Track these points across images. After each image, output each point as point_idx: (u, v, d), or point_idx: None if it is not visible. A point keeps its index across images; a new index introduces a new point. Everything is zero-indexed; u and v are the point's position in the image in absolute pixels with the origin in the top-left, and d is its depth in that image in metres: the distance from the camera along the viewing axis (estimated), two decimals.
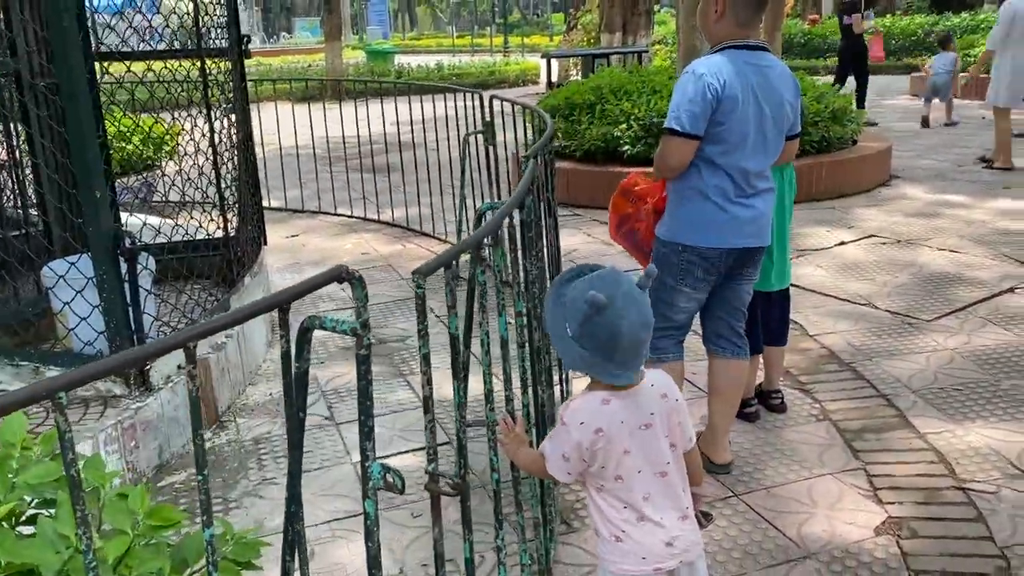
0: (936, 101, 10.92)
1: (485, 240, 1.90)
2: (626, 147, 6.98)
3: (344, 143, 7.57)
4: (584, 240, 6.15)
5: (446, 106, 6.22)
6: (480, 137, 5.10)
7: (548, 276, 3.59)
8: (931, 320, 4.27)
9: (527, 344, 2.25)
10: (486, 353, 1.93)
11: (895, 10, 23.83)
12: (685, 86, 2.62)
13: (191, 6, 3.68)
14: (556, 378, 2.97)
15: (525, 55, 26.66)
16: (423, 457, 3.06)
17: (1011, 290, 4.64)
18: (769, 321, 3.34)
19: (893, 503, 2.75)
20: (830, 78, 11.51)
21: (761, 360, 3.42)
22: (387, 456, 3.14)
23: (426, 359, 1.56)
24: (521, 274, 2.34)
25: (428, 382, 1.56)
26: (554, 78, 14.74)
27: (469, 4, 60.89)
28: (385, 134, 7.12)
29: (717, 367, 3.00)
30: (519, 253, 2.22)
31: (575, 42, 17.55)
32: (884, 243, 5.67)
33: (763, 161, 2.72)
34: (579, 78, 12.17)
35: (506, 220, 2.11)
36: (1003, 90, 7.71)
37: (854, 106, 11.13)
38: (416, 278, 1.49)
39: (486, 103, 5.04)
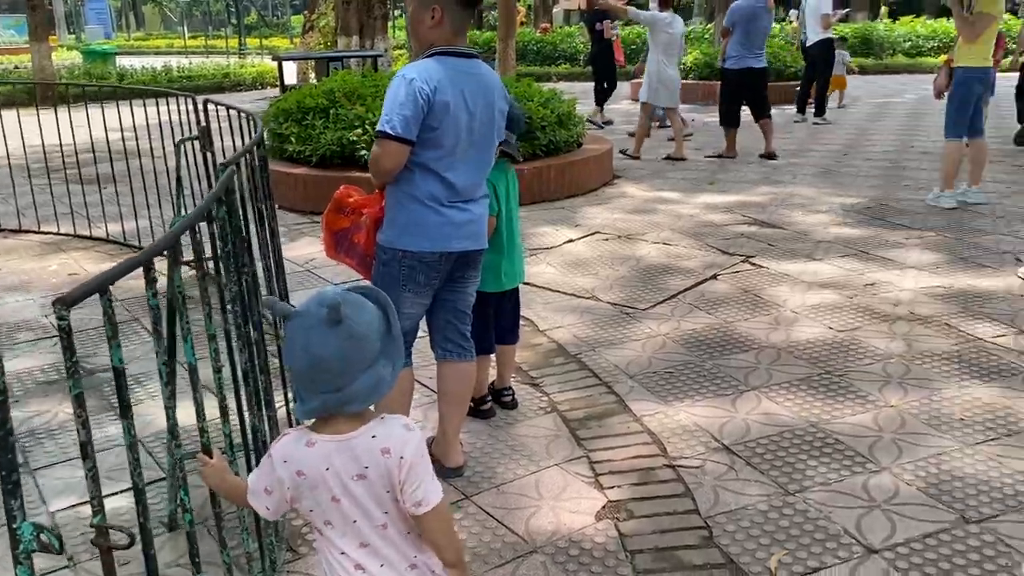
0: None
1: (166, 254, 1.74)
2: (363, 152, 6.88)
3: (61, 152, 6.81)
4: (321, 248, 5.97)
5: (159, 112, 5.77)
6: (195, 144, 4.77)
7: (270, 291, 3.42)
8: (646, 309, 4.58)
9: (222, 369, 2.09)
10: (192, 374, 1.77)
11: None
12: (396, 90, 2.61)
13: None
14: (274, 400, 2.82)
15: (264, 58, 25.69)
16: (130, 499, 2.79)
17: (714, 277, 5.10)
18: (502, 320, 3.41)
19: (612, 487, 2.90)
20: (563, 84, 12.17)
21: (493, 359, 3.48)
22: (84, 503, 2.82)
23: (79, 399, 1.38)
24: (226, 292, 2.19)
25: (84, 424, 1.39)
26: (292, 81, 14.29)
27: (202, 4, 57.71)
28: (107, 141, 6.46)
29: (444, 371, 3.02)
30: (220, 269, 2.06)
31: (311, 45, 17.14)
32: (607, 239, 6.02)
33: (476, 167, 2.77)
34: (315, 82, 11.91)
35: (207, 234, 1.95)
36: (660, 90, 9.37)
37: (594, 105, 11.90)
38: (58, 309, 1.31)
39: (200, 108, 4.72)
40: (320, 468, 1.54)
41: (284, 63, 12.35)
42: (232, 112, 4.26)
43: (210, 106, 4.72)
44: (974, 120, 6.61)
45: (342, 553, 1.60)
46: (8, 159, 7.11)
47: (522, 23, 32.33)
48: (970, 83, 6.45)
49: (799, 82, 14.06)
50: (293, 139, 7.29)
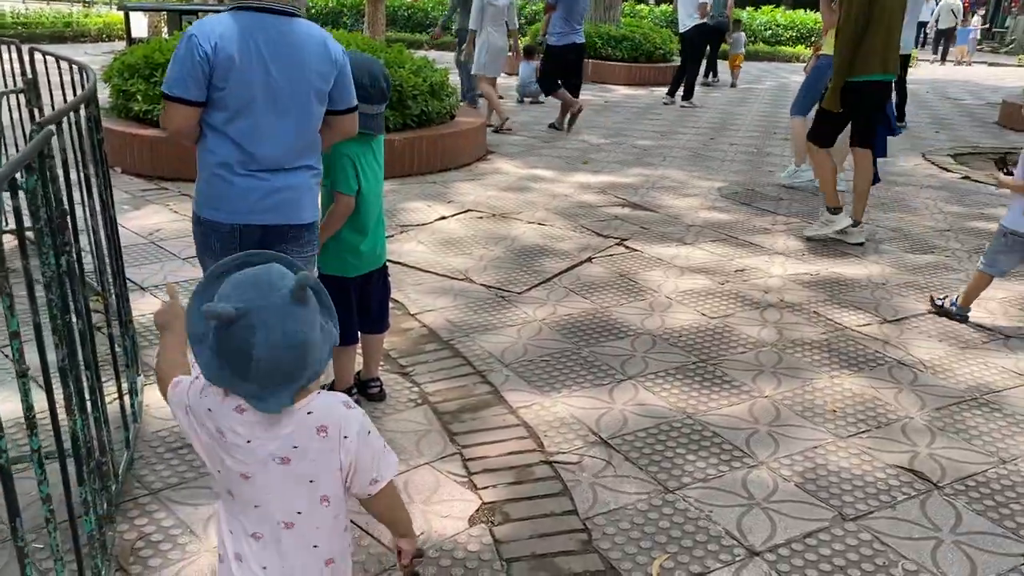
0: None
1: None
2: None
3: None
4: (170, 218, 5.48)
5: None
6: (20, 98, 4.21)
7: (106, 269, 3.02)
8: (522, 292, 4.42)
9: (44, 364, 1.76)
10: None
11: None
12: (178, 48, 2.41)
13: None
14: (102, 399, 2.46)
15: (112, 7, 23.81)
16: None
17: (589, 260, 4.99)
18: (369, 306, 3.13)
19: (487, 487, 2.71)
20: (434, 53, 11.80)
21: (359, 348, 3.22)
22: None
23: None
24: (41, 274, 1.83)
25: None
26: (142, 34, 13.25)
27: None
28: None
29: None
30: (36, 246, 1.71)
31: None
32: (481, 217, 5.82)
33: (283, 133, 2.50)
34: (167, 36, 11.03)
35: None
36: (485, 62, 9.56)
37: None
38: None
39: (26, 57, 4.16)
40: (239, 438, 1.39)
41: (131, 13, 11.38)
42: (64, 64, 3.75)
43: (39, 56, 4.18)
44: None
45: (231, 532, 1.47)
46: None
47: None
48: (824, 69, 6.23)
49: (668, 64, 14.32)
50: (140, 97, 6.67)
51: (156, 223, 5.33)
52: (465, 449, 2.93)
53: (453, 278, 4.59)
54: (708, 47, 13.48)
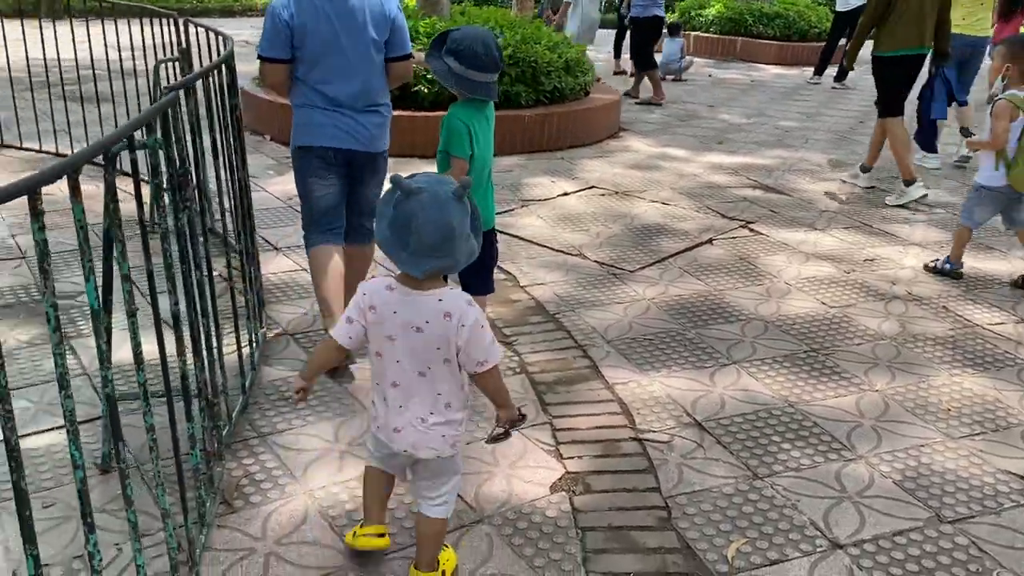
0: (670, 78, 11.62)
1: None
2: None
3: (59, 67, 6.58)
4: None
5: (148, 33, 5.53)
6: (176, 67, 4.55)
7: (238, 231, 3.25)
8: (634, 271, 4.40)
9: (155, 308, 1.94)
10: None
11: None
12: (265, 19, 3.11)
13: None
14: (218, 344, 2.67)
15: None
16: (63, 436, 2.66)
17: (710, 241, 4.90)
18: (473, 268, 3.20)
19: (572, 458, 2.76)
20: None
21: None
22: (24, 435, 2.70)
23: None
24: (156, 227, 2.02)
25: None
26: None
27: None
28: (107, 60, 6.22)
29: (349, 252, 3.37)
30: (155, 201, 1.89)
31: None
32: (603, 194, 5.81)
33: (350, 79, 3.14)
34: None
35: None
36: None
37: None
38: None
39: (181, 29, 4.49)
40: (389, 310, 1.90)
41: None
42: (212, 35, 4.03)
43: (192, 29, 4.51)
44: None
45: (378, 383, 2.00)
46: (9, 71, 6.87)
47: None
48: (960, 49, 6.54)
49: (822, 44, 13.66)
50: None
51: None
52: (556, 419, 2.98)
53: (567, 253, 4.63)
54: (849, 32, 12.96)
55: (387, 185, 1.94)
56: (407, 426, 1.97)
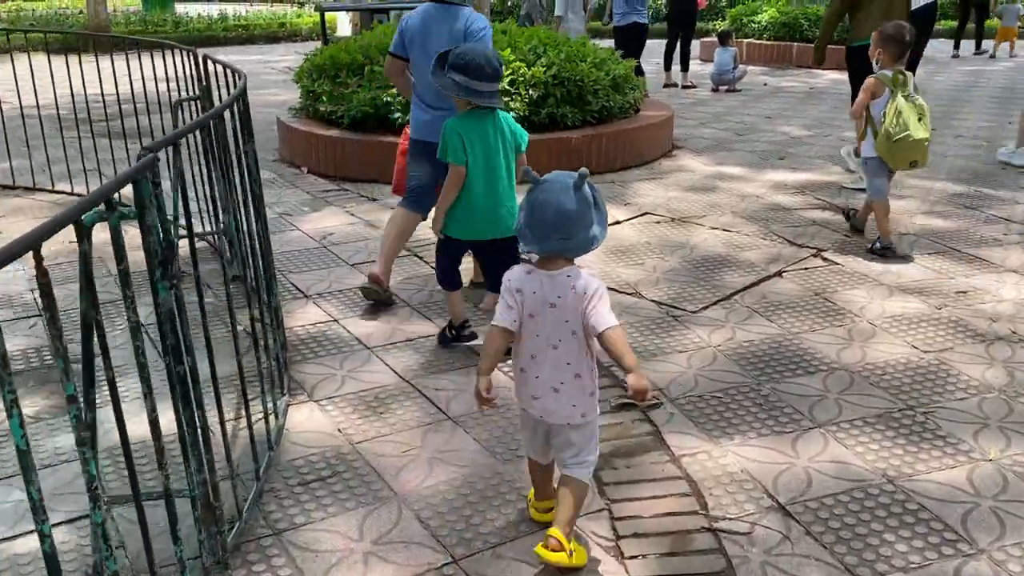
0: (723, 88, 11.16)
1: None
2: (397, 114, 6.34)
3: (86, 105, 6.41)
4: (345, 220, 5.48)
5: (175, 65, 5.29)
6: (196, 105, 4.28)
7: (256, 276, 2.93)
8: (696, 311, 3.97)
9: (144, 358, 1.60)
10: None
11: None
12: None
13: None
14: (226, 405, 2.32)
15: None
16: (74, 533, 2.34)
17: (779, 274, 4.45)
18: (489, 274, 3.63)
19: (635, 557, 2.34)
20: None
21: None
22: (10, 538, 2.38)
23: None
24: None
25: None
26: (347, 32, 13.76)
27: None
28: (145, 93, 6.02)
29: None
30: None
31: None
32: (658, 222, 5.39)
33: (430, 84, 3.67)
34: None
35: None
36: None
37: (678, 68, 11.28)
38: None
39: (201, 65, 4.21)
40: (530, 290, 2.15)
41: (333, 14, 11.78)
42: (229, 71, 3.74)
43: (204, 62, 4.22)
44: None
45: (519, 356, 2.23)
46: (38, 110, 6.73)
47: None
48: None
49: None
50: (325, 98, 6.77)
51: (330, 226, 5.34)
52: (615, 504, 2.57)
53: (621, 292, 4.22)
54: (974, 15, 14.42)
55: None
56: (543, 394, 2.20)
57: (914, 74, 10.82)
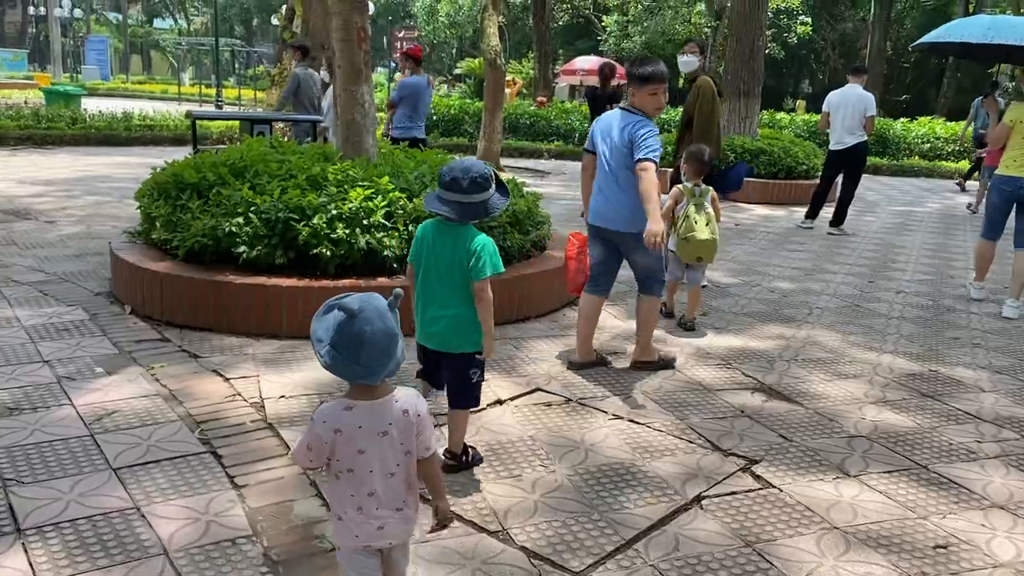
0: None
1: None
2: (242, 248, 5.15)
3: None
4: (142, 392, 4.14)
5: None
6: None
7: None
8: (581, 572, 2.76)
9: None
10: None
11: None
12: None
13: None
14: None
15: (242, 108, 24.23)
16: None
17: (698, 502, 3.28)
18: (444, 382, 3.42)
19: None
20: (553, 163, 10.61)
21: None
22: None
23: None
24: None
25: None
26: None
27: (212, 53, 57.04)
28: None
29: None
30: None
31: (273, 102, 15.63)
32: (550, 404, 4.19)
33: (608, 174, 4.59)
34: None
35: None
36: None
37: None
38: None
39: None
40: (354, 426, 2.07)
41: (200, 120, 10.70)
42: None
43: None
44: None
45: (352, 496, 2.11)
46: None
47: (521, 92, 31.23)
48: (994, 188, 6.90)
49: (810, 181, 12.59)
50: (159, 223, 5.56)
51: (117, 401, 4.01)
52: None
53: (482, 530, 3.00)
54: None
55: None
56: (386, 522, 2.13)
57: (844, 215, 10.32)
